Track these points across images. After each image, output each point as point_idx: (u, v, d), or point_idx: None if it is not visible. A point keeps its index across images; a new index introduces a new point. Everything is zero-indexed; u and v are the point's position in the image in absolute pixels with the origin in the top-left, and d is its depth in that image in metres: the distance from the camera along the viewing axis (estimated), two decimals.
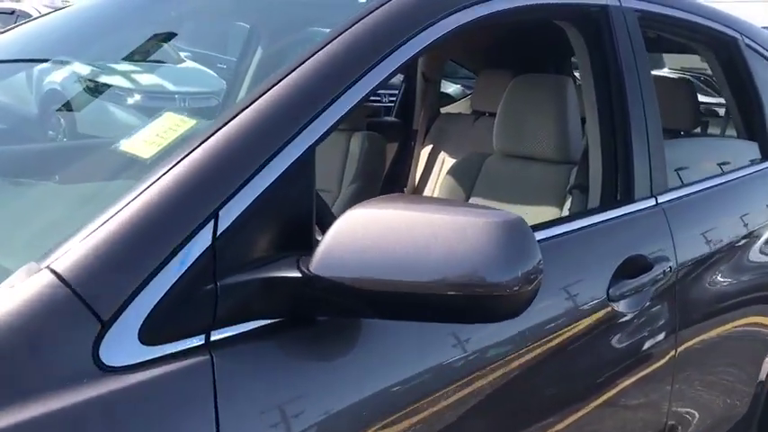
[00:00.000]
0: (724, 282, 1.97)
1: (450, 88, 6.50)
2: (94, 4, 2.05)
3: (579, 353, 1.46)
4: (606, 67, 1.76)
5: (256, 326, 0.98)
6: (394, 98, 3.65)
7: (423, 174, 3.53)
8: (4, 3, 9.96)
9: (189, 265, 0.91)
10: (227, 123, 1.04)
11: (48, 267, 0.87)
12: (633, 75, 1.77)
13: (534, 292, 0.98)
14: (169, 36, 2.27)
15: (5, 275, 0.89)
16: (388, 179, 3.54)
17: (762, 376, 2.18)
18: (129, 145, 1.29)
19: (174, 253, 0.91)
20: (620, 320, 1.53)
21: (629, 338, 1.57)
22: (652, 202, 1.73)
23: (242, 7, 2.08)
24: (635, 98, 1.76)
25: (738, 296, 2.06)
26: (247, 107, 1.06)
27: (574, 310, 1.43)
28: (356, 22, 1.23)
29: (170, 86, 6.26)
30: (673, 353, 1.74)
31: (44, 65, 2.95)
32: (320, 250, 0.96)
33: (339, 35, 1.20)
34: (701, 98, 3.13)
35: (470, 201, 2.24)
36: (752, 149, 2.32)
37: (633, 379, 1.61)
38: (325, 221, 1.07)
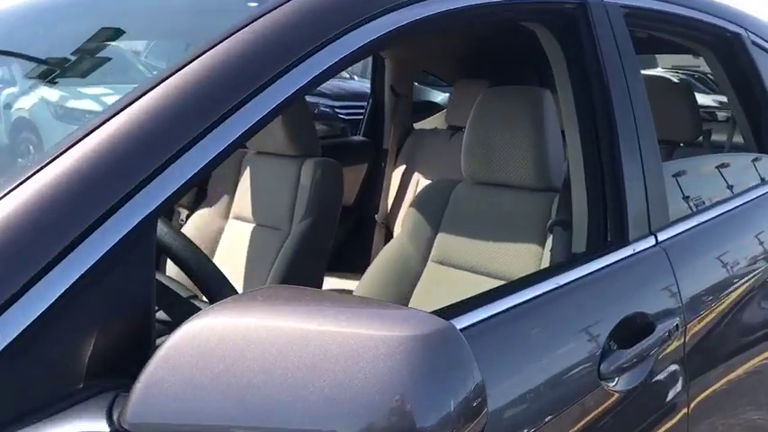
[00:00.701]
0: (742, 325, 1.64)
1: (438, 97, 6.16)
2: None
3: None
4: (587, 76, 1.43)
5: None
6: (350, 110, 3.37)
7: (396, 198, 3.22)
8: None
9: None
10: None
11: None
12: (620, 83, 1.44)
13: None
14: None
15: None
16: (357, 206, 3.22)
17: None
18: None
19: None
20: (617, 404, 1.19)
21: (630, 423, 1.23)
22: (651, 241, 1.40)
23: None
24: (623, 111, 1.43)
25: (757, 334, 1.72)
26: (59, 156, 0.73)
27: (555, 401, 1.09)
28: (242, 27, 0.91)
29: None
30: (685, 410, 1.40)
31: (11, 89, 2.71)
32: (138, 389, 0.62)
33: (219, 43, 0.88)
34: (699, 98, 2.80)
35: (438, 237, 1.90)
36: (765, 163, 1.99)
37: None
38: (177, 319, 0.73)
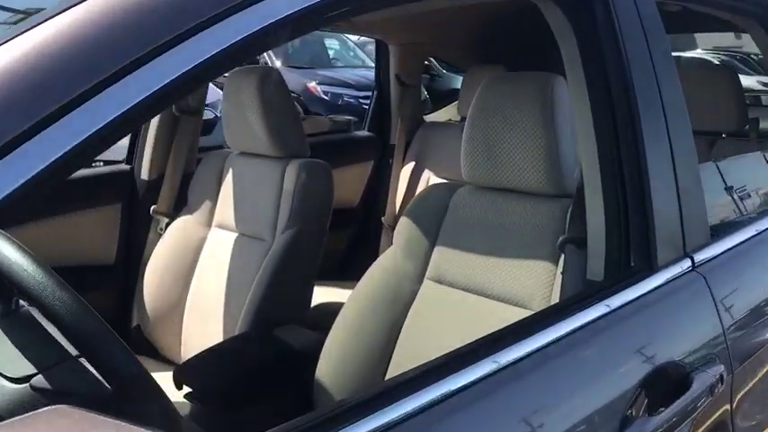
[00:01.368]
0: None
1: (459, 83, 5.87)
2: None
3: None
4: (602, 60, 1.14)
5: None
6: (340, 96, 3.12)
7: (405, 197, 2.95)
8: None
9: None
10: None
11: None
12: (644, 67, 1.16)
13: None
14: None
15: None
16: (362, 208, 2.96)
17: None
18: None
19: None
20: None
21: None
22: (685, 264, 1.11)
23: None
24: (649, 102, 1.15)
25: None
26: None
27: None
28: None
29: None
30: None
31: None
32: None
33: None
34: (742, 80, 2.46)
35: (435, 252, 1.63)
36: None
37: None
38: None
